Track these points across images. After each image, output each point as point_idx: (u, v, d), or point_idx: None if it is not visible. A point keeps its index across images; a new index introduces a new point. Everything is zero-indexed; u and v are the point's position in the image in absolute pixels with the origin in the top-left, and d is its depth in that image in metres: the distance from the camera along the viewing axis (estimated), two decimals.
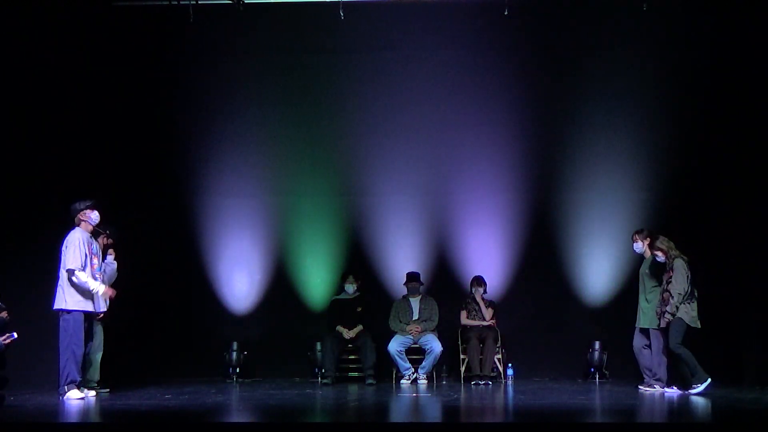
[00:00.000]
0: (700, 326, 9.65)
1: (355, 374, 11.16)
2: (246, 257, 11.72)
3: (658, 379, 9.90)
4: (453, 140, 11.63)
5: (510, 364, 11.05)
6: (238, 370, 11.22)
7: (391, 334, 11.05)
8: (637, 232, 10.22)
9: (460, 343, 11.13)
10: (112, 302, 9.88)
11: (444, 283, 11.53)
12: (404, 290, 11.29)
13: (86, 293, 9.36)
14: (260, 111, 11.71)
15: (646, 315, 10.00)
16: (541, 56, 11.58)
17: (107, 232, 9.81)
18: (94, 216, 9.51)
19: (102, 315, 9.78)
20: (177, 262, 11.62)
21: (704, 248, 10.97)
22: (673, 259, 9.69)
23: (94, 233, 9.61)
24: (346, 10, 10.71)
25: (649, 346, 10.00)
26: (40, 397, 9.36)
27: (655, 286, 9.94)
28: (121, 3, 11.04)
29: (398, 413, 8.97)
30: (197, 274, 11.65)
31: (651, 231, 10.17)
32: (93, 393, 9.55)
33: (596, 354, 11.06)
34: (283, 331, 11.66)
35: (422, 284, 11.26)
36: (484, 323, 11.06)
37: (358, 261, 11.58)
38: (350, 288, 11.21)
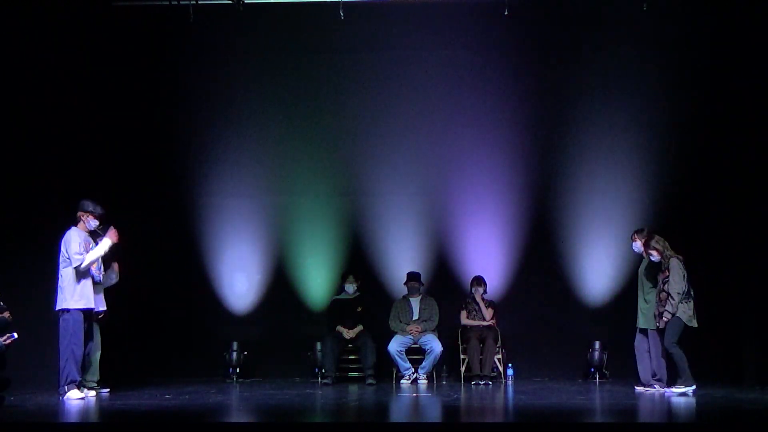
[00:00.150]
0: (696, 325, 9.64)
1: (355, 374, 11.16)
2: (246, 257, 11.71)
3: (658, 380, 9.90)
4: (453, 140, 11.63)
5: (510, 364, 11.04)
6: (238, 370, 11.21)
7: (391, 334, 11.05)
8: (637, 232, 10.21)
9: (460, 343, 11.13)
10: (113, 302, 9.89)
11: (444, 283, 11.53)
12: (404, 290, 11.29)
13: (86, 290, 9.35)
14: (260, 111, 11.71)
15: (645, 315, 10.00)
16: (541, 56, 11.59)
17: (104, 233, 9.77)
18: (93, 224, 9.52)
19: (102, 315, 9.79)
20: (177, 262, 11.62)
21: (704, 248, 11.00)
22: (669, 259, 9.68)
23: (92, 233, 9.60)
24: (346, 10, 10.70)
25: (649, 350, 9.99)
26: (40, 397, 9.36)
27: (653, 288, 9.94)
28: (121, 3, 11.04)
29: (398, 413, 8.97)
30: (197, 274, 11.64)
31: (651, 231, 10.15)
32: (93, 393, 9.55)
33: (596, 354, 11.06)
34: (283, 331, 11.66)
35: (422, 284, 11.26)
36: (484, 323, 11.06)
37: (358, 261, 11.58)
38: (350, 288, 11.21)
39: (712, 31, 11.15)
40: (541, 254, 11.50)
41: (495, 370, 10.91)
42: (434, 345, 10.87)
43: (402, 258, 11.57)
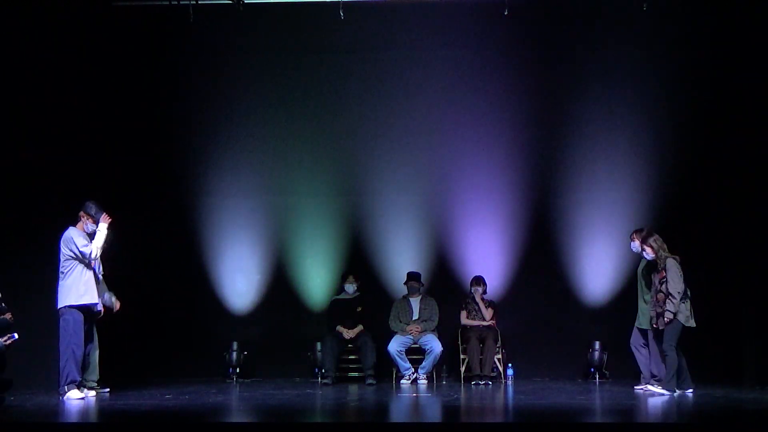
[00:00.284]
0: (694, 325, 9.62)
1: (355, 374, 11.16)
2: (246, 257, 11.71)
3: (658, 380, 9.89)
4: (453, 140, 11.63)
5: (510, 364, 11.04)
6: (238, 370, 11.22)
7: (391, 334, 11.05)
8: (636, 232, 10.20)
9: (460, 343, 11.13)
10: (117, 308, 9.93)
11: (444, 283, 11.53)
12: (404, 290, 11.29)
13: (90, 286, 9.36)
14: (260, 111, 11.71)
15: (645, 315, 9.99)
16: (541, 56, 11.59)
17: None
18: (91, 228, 9.52)
19: (100, 314, 9.79)
20: (177, 262, 11.62)
21: (704, 248, 11.00)
22: (665, 259, 9.66)
23: (89, 236, 9.60)
24: (346, 10, 10.70)
25: (646, 345, 10.00)
26: (40, 397, 9.36)
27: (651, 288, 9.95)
28: (121, 3, 11.04)
29: (398, 413, 8.97)
30: (197, 274, 11.64)
31: (651, 229, 10.13)
32: (93, 393, 9.55)
33: (596, 354, 11.06)
34: (283, 331, 11.66)
35: (422, 285, 11.26)
36: (484, 323, 11.06)
37: (358, 261, 11.58)
38: (350, 288, 11.21)
39: (712, 31, 11.15)
40: (541, 254, 11.50)
41: (495, 370, 10.91)
42: (434, 345, 10.87)
43: (402, 258, 11.57)
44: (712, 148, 11.22)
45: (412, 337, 11.01)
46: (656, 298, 9.70)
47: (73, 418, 8.43)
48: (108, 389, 9.83)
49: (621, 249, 10.95)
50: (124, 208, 10.88)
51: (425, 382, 10.89)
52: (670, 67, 11.35)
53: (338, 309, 11.17)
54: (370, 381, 10.73)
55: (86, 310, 9.44)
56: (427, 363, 10.91)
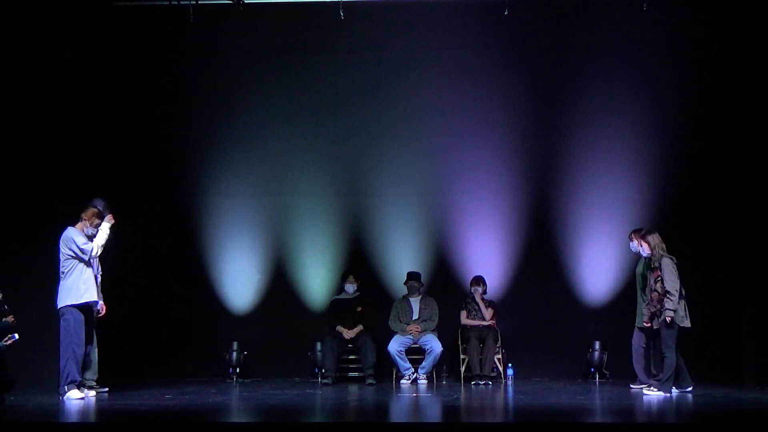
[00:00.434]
0: (689, 325, 9.58)
1: (355, 374, 11.16)
2: (246, 257, 11.71)
3: (658, 379, 9.88)
4: (453, 140, 11.62)
5: (510, 364, 11.04)
6: (238, 370, 11.21)
7: (391, 334, 11.05)
8: (635, 232, 10.20)
9: (460, 343, 11.13)
10: (113, 301, 9.88)
11: (444, 283, 11.52)
12: (404, 290, 11.29)
13: (90, 284, 9.36)
14: (260, 111, 11.71)
15: (644, 315, 9.99)
16: (541, 56, 11.58)
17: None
18: (91, 231, 9.51)
19: (100, 314, 9.80)
20: (177, 261, 11.61)
21: (704, 248, 11.01)
22: (660, 258, 9.64)
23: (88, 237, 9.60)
24: (346, 10, 10.70)
25: (647, 347, 10.00)
26: (40, 397, 9.36)
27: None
28: (121, 3, 11.04)
29: (398, 413, 8.97)
30: (197, 273, 11.64)
31: (653, 228, 10.11)
32: (93, 392, 9.55)
33: (596, 354, 11.06)
34: (283, 331, 11.66)
35: (422, 284, 11.26)
36: (484, 323, 11.06)
37: (358, 261, 11.58)
38: (350, 288, 11.21)
39: (712, 31, 11.15)
40: (541, 254, 11.50)
41: (495, 370, 10.91)
42: (434, 345, 10.87)
43: (402, 258, 11.57)
44: (712, 148, 11.22)
45: (412, 337, 11.01)
46: (650, 297, 9.69)
47: (73, 418, 8.43)
48: (107, 389, 9.83)
49: (621, 249, 10.94)
50: (124, 208, 10.89)
51: (425, 382, 10.89)
52: (670, 67, 11.35)
53: (338, 309, 11.17)
54: (370, 381, 10.73)
55: (87, 309, 9.45)
56: (427, 363, 10.91)
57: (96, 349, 9.87)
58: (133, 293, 10.75)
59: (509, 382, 10.89)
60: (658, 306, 9.57)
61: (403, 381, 10.88)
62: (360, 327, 11.04)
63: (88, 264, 9.44)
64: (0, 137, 10.28)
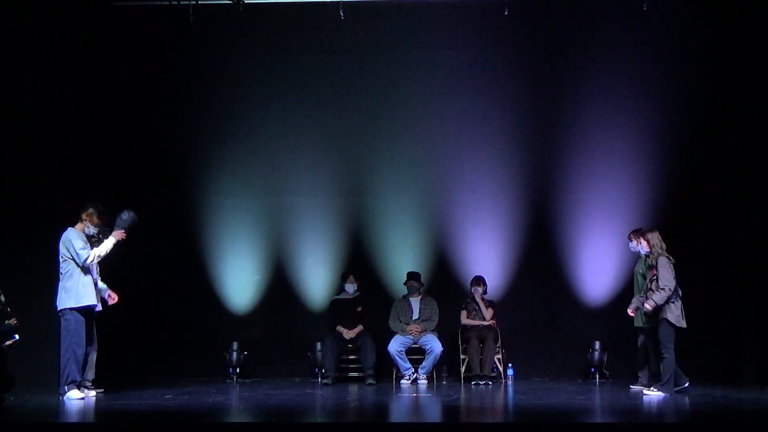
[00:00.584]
0: (685, 326, 9.56)
1: (355, 374, 11.16)
2: (246, 257, 11.71)
3: (658, 380, 9.88)
4: (453, 140, 11.63)
5: (510, 364, 11.05)
6: (238, 370, 11.21)
7: (391, 334, 11.05)
8: (634, 232, 10.20)
9: (460, 343, 11.13)
10: (113, 301, 9.91)
11: (444, 283, 11.53)
12: (404, 290, 11.29)
13: (89, 288, 9.36)
14: (260, 111, 11.71)
15: (642, 315, 9.98)
16: (541, 56, 11.59)
17: (99, 237, 9.72)
18: (92, 230, 9.50)
19: (113, 302, 9.79)
20: (177, 261, 11.62)
21: (704, 248, 11.03)
22: (657, 256, 9.63)
23: (88, 237, 9.59)
24: (346, 10, 10.71)
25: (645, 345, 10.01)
26: (40, 397, 9.36)
27: None
28: (121, 3, 11.04)
29: (398, 413, 8.97)
30: (197, 273, 11.64)
31: (653, 228, 10.10)
32: (93, 393, 9.54)
33: (596, 354, 11.06)
34: (283, 331, 11.67)
35: (422, 284, 11.26)
36: (484, 323, 11.06)
37: (358, 261, 11.58)
38: (350, 288, 11.21)
39: (713, 31, 11.16)
40: (541, 254, 11.51)
41: (495, 370, 10.91)
42: (434, 345, 10.87)
43: (402, 258, 11.58)
44: (712, 148, 11.23)
45: (412, 337, 11.01)
46: (647, 296, 9.68)
47: (73, 418, 8.43)
48: (102, 390, 9.78)
49: (621, 249, 10.94)
50: (124, 207, 10.90)
51: (425, 382, 10.89)
52: (670, 67, 11.35)
53: (338, 309, 11.17)
54: (370, 381, 10.73)
55: (86, 310, 9.44)
56: (427, 363, 10.91)
57: (95, 350, 9.86)
58: (133, 293, 10.74)
59: (509, 382, 10.89)
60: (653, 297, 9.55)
61: (403, 381, 10.89)
62: (360, 327, 11.04)
63: (85, 270, 9.41)
64: (0, 137, 10.28)
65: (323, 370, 10.86)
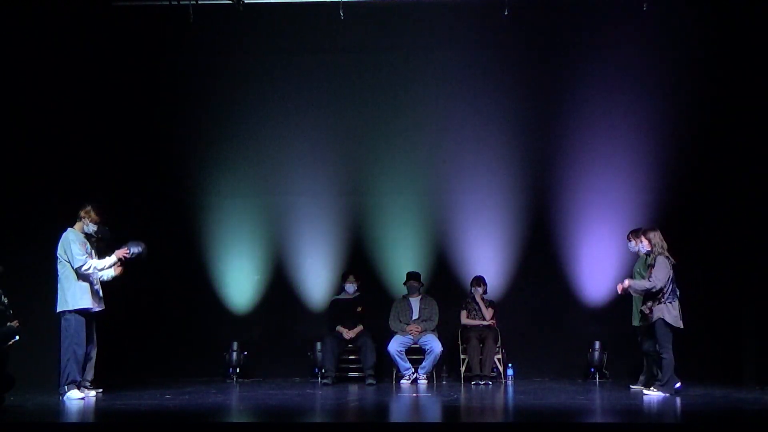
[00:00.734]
0: (682, 326, 9.54)
1: (355, 374, 11.16)
2: (246, 257, 11.71)
3: (657, 380, 9.88)
4: (453, 140, 11.63)
5: (510, 364, 11.04)
6: (238, 370, 11.21)
7: (391, 334, 11.05)
8: (633, 232, 10.20)
9: (460, 343, 11.13)
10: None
11: (444, 283, 11.53)
12: (404, 290, 11.29)
13: (83, 291, 9.35)
14: (260, 111, 11.71)
15: (640, 313, 9.98)
16: (541, 56, 11.59)
17: (98, 236, 9.73)
18: (91, 228, 9.50)
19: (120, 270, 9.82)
20: (177, 262, 11.61)
21: (704, 248, 11.03)
22: (657, 255, 9.62)
23: (87, 236, 9.59)
24: (346, 10, 10.71)
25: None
26: (40, 397, 9.36)
27: None
28: (121, 3, 11.04)
29: (398, 413, 8.97)
30: (197, 273, 11.64)
31: (655, 227, 10.09)
32: (93, 393, 9.54)
33: (596, 354, 11.06)
34: (283, 331, 11.67)
35: (422, 284, 11.26)
36: (484, 323, 11.06)
37: (358, 261, 11.58)
38: (350, 288, 11.21)
39: (713, 31, 11.15)
40: (541, 254, 11.50)
41: (495, 370, 10.91)
42: (434, 345, 10.87)
43: (402, 258, 11.58)
44: (712, 148, 11.23)
45: (412, 337, 11.01)
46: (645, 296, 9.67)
47: (73, 418, 8.43)
48: (101, 390, 9.77)
49: (621, 249, 10.93)
50: (124, 207, 10.92)
51: (425, 382, 10.89)
52: (670, 67, 11.35)
53: (338, 309, 11.17)
54: (370, 381, 10.73)
55: (85, 312, 9.43)
56: (427, 363, 10.91)
57: (95, 350, 9.85)
58: (133, 293, 10.74)
59: (509, 382, 10.89)
60: (647, 303, 9.55)
61: (403, 381, 10.89)
62: (360, 327, 11.04)
63: (82, 276, 9.40)
64: (0, 137, 10.28)
65: (323, 370, 10.86)
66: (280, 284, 11.68)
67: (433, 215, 11.67)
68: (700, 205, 11.28)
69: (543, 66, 11.59)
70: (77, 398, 9.16)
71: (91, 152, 10.95)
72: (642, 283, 9.53)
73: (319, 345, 11.16)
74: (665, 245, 9.70)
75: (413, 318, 11.12)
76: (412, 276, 11.21)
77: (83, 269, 9.34)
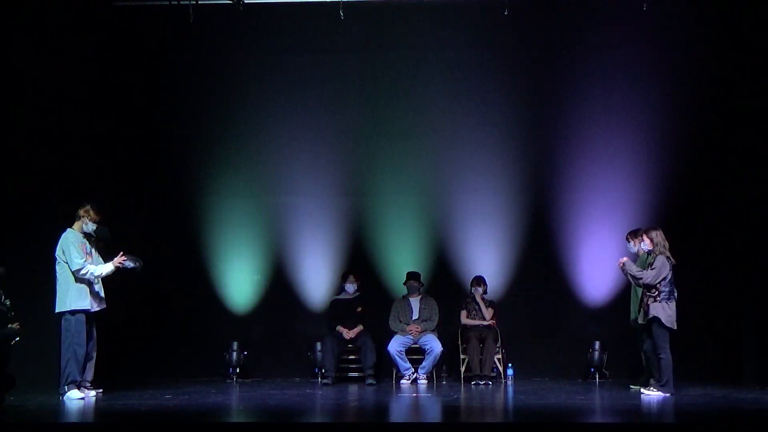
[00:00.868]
0: (676, 327, 9.47)
1: (355, 374, 11.16)
2: (246, 257, 11.71)
3: (657, 380, 9.88)
4: (453, 140, 11.63)
5: (510, 364, 11.04)
6: (238, 370, 11.21)
7: (391, 334, 11.05)
8: (631, 233, 10.20)
9: (460, 343, 11.13)
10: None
11: (444, 283, 11.52)
12: (404, 290, 11.29)
13: (82, 292, 9.35)
14: (260, 111, 11.70)
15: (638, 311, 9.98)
16: (542, 56, 11.59)
17: (97, 235, 9.71)
18: (91, 227, 9.50)
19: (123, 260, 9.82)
20: (177, 261, 11.60)
21: (704, 248, 11.03)
22: (658, 254, 9.61)
23: (87, 236, 9.59)
24: (346, 10, 10.71)
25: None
26: (40, 397, 9.36)
27: None
28: (121, 3, 11.04)
29: (398, 413, 8.97)
30: (197, 273, 11.64)
31: (657, 227, 10.08)
32: (93, 393, 9.54)
33: (596, 354, 11.05)
34: (283, 331, 11.67)
35: (422, 284, 11.26)
36: (484, 323, 11.06)
37: (358, 261, 11.58)
38: (350, 288, 11.21)
39: (713, 31, 11.15)
40: (541, 254, 11.50)
41: (495, 370, 10.91)
42: (434, 345, 10.87)
43: (402, 258, 11.57)
44: (713, 148, 11.23)
45: (412, 337, 11.01)
46: (645, 296, 9.65)
47: (73, 418, 8.44)
48: (101, 390, 9.76)
49: (621, 249, 10.90)
50: (124, 207, 10.92)
51: (425, 382, 10.89)
52: (670, 67, 11.35)
53: (338, 309, 11.17)
54: (370, 381, 10.73)
55: (84, 312, 9.43)
56: (427, 363, 10.91)
57: (95, 350, 9.85)
58: (134, 293, 10.74)
59: (509, 382, 10.89)
60: (646, 301, 9.55)
61: (403, 381, 10.89)
62: (360, 327, 11.04)
63: (80, 279, 9.40)
64: (0, 137, 10.28)
65: (323, 370, 10.86)
66: (280, 284, 11.67)
67: (433, 215, 11.67)
68: (700, 205, 11.28)
69: (543, 66, 11.59)
70: (77, 398, 9.17)
71: (91, 152, 10.95)
72: (635, 269, 9.54)
73: (319, 345, 11.16)
74: (667, 245, 9.69)
75: (413, 318, 11.12)
76: (412, 276, 11.21)
77: (80, 273, 9.34)
